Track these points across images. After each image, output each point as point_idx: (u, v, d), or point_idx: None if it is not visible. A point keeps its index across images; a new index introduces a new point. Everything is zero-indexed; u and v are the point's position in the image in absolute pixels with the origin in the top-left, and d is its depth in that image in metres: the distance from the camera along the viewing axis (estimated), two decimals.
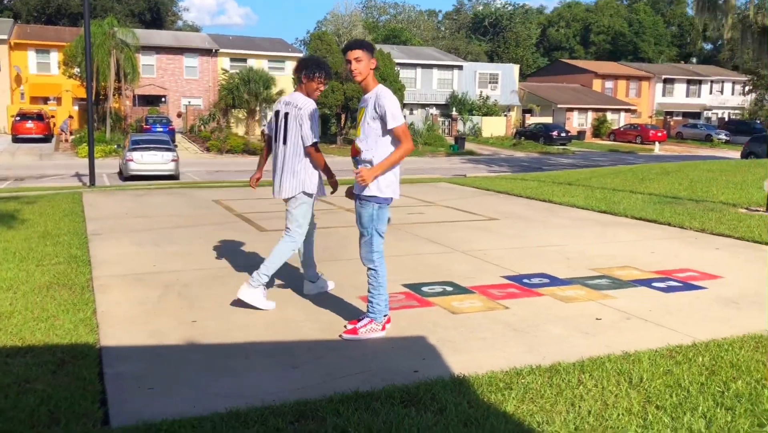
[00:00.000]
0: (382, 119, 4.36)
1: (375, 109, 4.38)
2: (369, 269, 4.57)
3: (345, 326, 4.64)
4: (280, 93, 41.12)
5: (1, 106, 41.41)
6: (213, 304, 5.24)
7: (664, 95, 61.86)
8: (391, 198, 4.51)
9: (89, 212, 9.86)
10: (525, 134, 47.81)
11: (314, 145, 5.11)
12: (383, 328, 4.56)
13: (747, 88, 52.41)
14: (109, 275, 6.09)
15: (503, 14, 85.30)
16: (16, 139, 35.67)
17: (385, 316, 4.59)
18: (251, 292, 5.04)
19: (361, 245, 4.57)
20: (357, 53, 4.40)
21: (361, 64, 4.40)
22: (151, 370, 3.90)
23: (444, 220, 9.54)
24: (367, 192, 4.43)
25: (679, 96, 62.49)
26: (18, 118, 36.46)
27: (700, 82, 63.18)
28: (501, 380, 3.70)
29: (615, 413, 3.32)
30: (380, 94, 4.39)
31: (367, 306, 4.60)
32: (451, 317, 4.96)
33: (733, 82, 62.81)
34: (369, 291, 4.58)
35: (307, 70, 5.12)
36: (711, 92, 63.58)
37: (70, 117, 39.23)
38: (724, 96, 63.76)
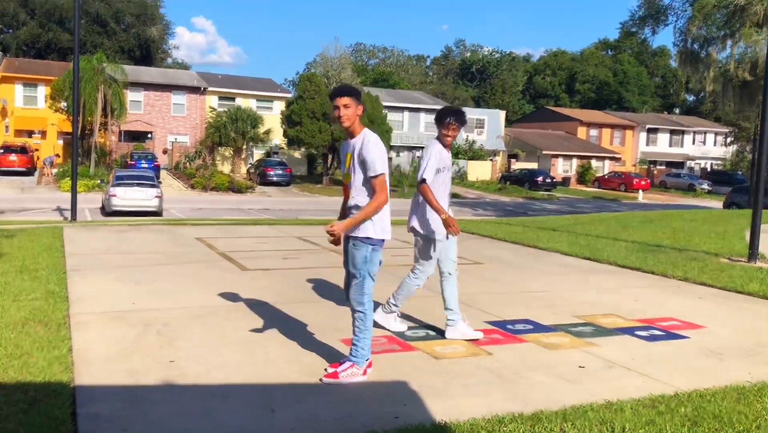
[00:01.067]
0: (363, 166, 4.37)
1: (359, 155, 4.38)
2: (357, 311, 4.51)
3: (326, 369, 4.57)
4: (268, 132, 41.36)
5: None
6: (192, 344, 5.15)
7: (647, 144, 62.80)
8: (384, 240, 4.49)
9: (69, 247, 9.74)
10: (510, 179, 48.23)
11: (422, 181, 5.43)
12: (364, 372, 4.50)
13: (729, 140, 53.47)
14: (87, 312, 5.98)
15: (490, 61, 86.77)
16: None
17: (367, 360, 4.53)
18: (385, 317, 5.72)
19: (352, 287, 4.52)
20: (345, 100, 4.41)
21: (349, 111, 4.41)
22: (126, 411, 3.81)
23: None
24: (362, 233, 4.39)
25: (663, 145, 63.49)
26: (1, 150, 36.29)
27: (683, 132, 64.29)
28: (483, 428, 3.64)
29: None
30: (365, 141, 4.40)
31: (351, 349, 4.54)
32: (433, 362, 4.90)
33: (716, 133, 63.99)
34: (354, 333, 4.52)
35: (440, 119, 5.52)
36: (694, 142, 64.67)
37: (57, 155, 39.08)
38: (707, 146, 64.86)
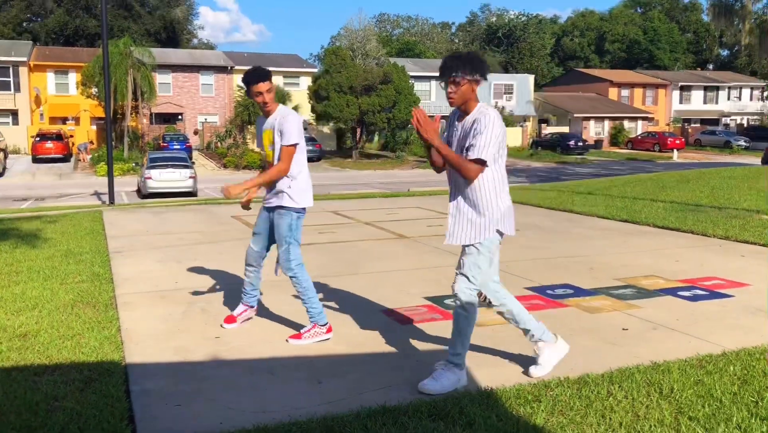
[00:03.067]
0: (281, 136, 4.54)
1: (279, 129, 4.56)
2: (291, 277, 4.70)
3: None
4: (296, 108, 41.37)
5: (22, 128, 41.98)
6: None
7: (681, 102, 61.46)
8: (305, 208, 4.72)
9: (110, 230, 9.93)
10: (542, 144, 47.68)
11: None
12: (329, 330, 4.67)
13: (765, 94, 52.00)
14: (131, 292, 6.11)
15: (517, 25, 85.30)
16: (36, 160, 36.12)
17: (325, 321, 4.69)
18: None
19: (280, 255, 4.71)
20: (267, 85, 4.56)
21: (272, 94, 4.60)
22: (177, 386, 3.90)
23: None
24: (286, 203, 4.61)
25: (697, 103, 62.07)
26: (38, 138, 36.94)
27: (717, 88, 62.72)
28: (529, 393, 3.65)
29: (647, 424, 3.27)
30: (284, 114, 4.61)
31: (308, 314, 4.70)
32: (476, 330, 4.88)
33: (752, 88, 62.33)
34: (301, 298, 4.72)
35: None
36: (729, 98, 63.09)
37: (91, 142, 39.66)
38: (742, 102, 63.24)
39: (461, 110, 3.95)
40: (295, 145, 4.53)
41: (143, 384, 3.92)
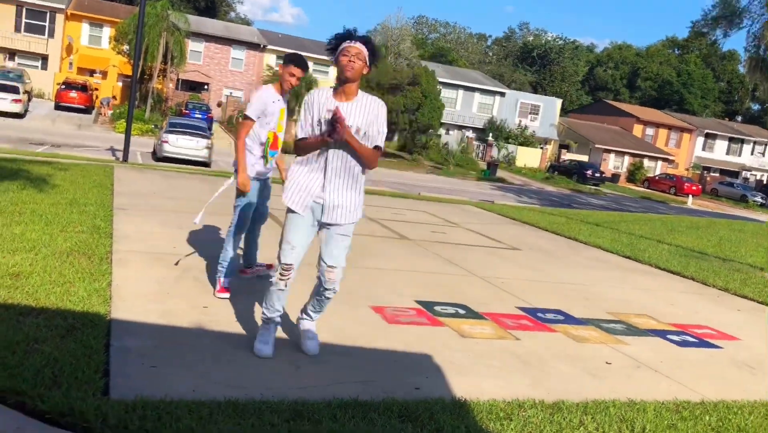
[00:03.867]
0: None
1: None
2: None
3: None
4: None
5: (50, 73, 42.22)
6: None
7: (704, 149, 61.19)
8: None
9: (118, 187, 9.98)
10: (559, 169, 47.56)
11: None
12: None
13: None
14: (128, 250, 6.15)
15: (553, 47, 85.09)
16: (58, 107, 36.28)
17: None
18: None
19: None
20: (303, 73, 5.15)
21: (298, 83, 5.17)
22: (157, 349, 3.92)
23: (466, 243, 9.49)
24: None
25: (719, 152, 61.77)
26: (63, 86, 37.12)
27: (742, 141, 62.39)
28: (502, 410, 3.66)
29: None
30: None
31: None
32: (459, 340, 4.93)
33: None
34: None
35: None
36: (752, 153, 62.75)
37: (114, 98, 39.85)
38: (766, 158, 62.89)
39: (342, 90, 3.92)
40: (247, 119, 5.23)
41: (124, 341, 3.94)
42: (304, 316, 4.37)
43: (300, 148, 4.01)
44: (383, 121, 3.98)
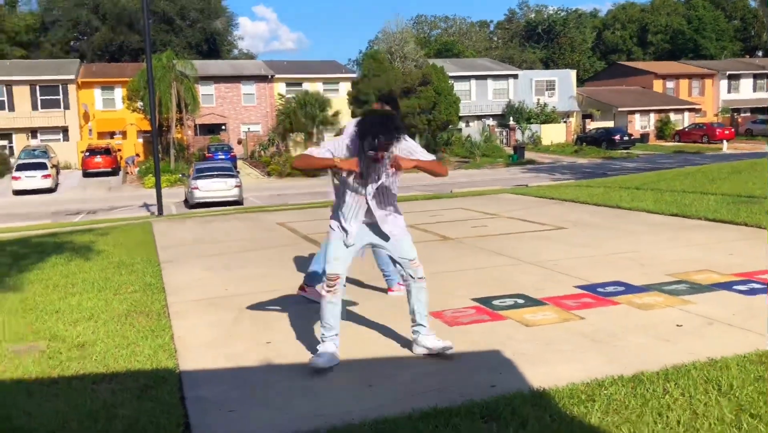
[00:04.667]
0: None
1: None
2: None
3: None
4: (336, 114, 41.64)
5: (72, 143, 43.18)
6: (286, 324, 5.29)
7: (729, 92, 59.88)
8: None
9: (160, 240, 10.13)
10: (586, 140, 47.01)
11: None
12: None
13: None
14: (183, 300, 6.23)
15: (556, 20, 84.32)
16: (86, 174, 37.11)
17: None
18: None
19: None
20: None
21: None
22: (231, 393, 3.96)
23: (509, 231, 9.42)
24: None
25: (746, 92, 60.38)
26: (87, 153, 37.96)
27: (767, 76, 60.91)
28: (582, 392, 3.60)
29: (706, 422, 3.19)
30: None
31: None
32: (524, 330, 4.87)
33: None
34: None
35: None
36: None
37: (137, 155, 40.61)
38: None
39: None
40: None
41: (197, 391, 3.98)
42: (417, 330, 4.48)
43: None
44: (414, 146, 4.30)
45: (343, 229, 4.33)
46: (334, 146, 4.22)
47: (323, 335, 4.31)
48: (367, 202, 4.27)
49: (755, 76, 60.71)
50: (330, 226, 4.45)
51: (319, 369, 4.15)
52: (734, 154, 37.80)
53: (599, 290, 5.85)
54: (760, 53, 77.20)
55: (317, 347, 4.33)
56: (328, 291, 4.27)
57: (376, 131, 4.03)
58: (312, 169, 4.44)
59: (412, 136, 44.78)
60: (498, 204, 12.89)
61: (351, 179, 4.25)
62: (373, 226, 4.36)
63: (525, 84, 51.98)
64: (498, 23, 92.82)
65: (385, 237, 4.37)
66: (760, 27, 75.35)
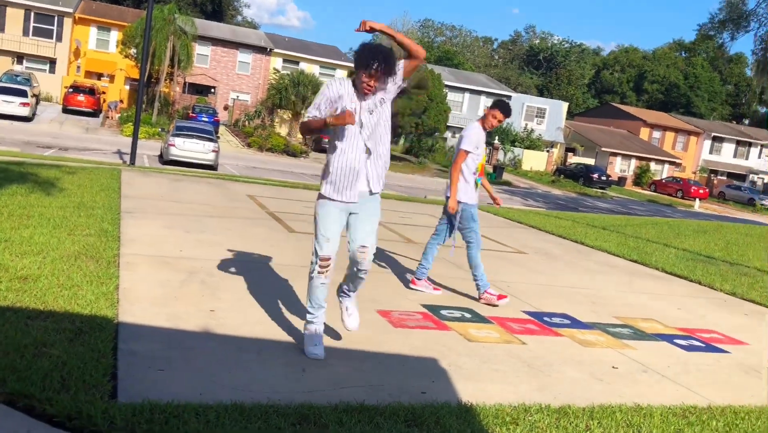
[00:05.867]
0: None
1: None
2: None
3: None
4: None
5: (57, 77, 42.41)
6: (234, 296, 5.28)
7: (711, 153, 60.97)
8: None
9: (125, 190, 10.02)
10: (565, 172, 47.50)
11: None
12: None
13: None
14: (136, 253, 6.17)
15: (559, 50, 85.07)
16: (66, 110, 36.46)
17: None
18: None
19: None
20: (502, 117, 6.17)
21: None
22: (164, 352, 3.94)
23: None
24: None
25: (727, 156, 61.55)
26: (71, 89, 37.29)
27: (749, 144, 62.16)
28: (508, 414, 3.66)
29: None
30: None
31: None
32: (466, 344, 4.93)
33: None
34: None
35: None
36: (760, 156, 62.48)
37: (121, 101, 40.03)
38: None
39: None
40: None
41: (131, 344, 3.96)
42: (343, 294, 4.47)
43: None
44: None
45: (334, 199, 4.17)
46: (318, 106, 4.16)
47: (311, 315, 4.27)
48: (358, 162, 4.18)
49: (738, 143, 61.89)
50: (320, 196, 4.26)
51: (317, 358, 4.16)
52: (704, 213, 38.46)
53: (546, 319, 5.93)
54: (746, 122, 78.74)
55: (305, 331, 4.29)
56: (320, 272, 4.18)
57: (375, 57, 3.99)
58: (313, 133, 4.32)
59: (399, 137, 44.81)
60: None
61: (341, 137, 4.17)
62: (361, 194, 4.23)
63: (516, 107, 52.31)
64: (502, 42, 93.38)
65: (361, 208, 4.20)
66: (752, 96, 76.82)
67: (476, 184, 6.23)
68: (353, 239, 4.22)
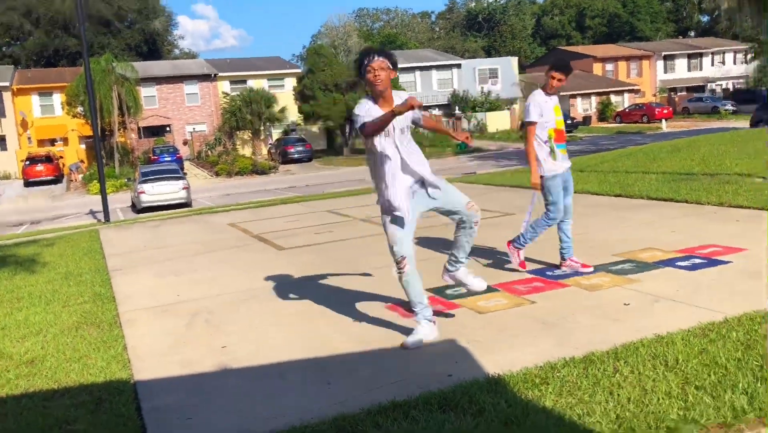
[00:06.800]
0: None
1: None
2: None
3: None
4: (283, 110, 41.36)
5: (11, 153, 41.87)
6: (241, 327, 5.26)
7: (666, 72, 61.54)
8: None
9: (108, 248, 9.93)
10: None
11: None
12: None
13: (749, 56, 52.07)
14: (134, 309, 6.13)
15: (496, 8, 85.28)
16: (27, 183, 36.06)
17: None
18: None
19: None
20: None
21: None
22: (188, 400, 3.92)
23: None
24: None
25: (681, 71, 62.15)
26: (28, 162, 36.88)
27: (701, 55, 62.80)
28: (536, 376, 3.68)
29: (655, 397, 3.30)
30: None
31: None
32: (478, 318, 4.95)
33: (735, 52, 62.39)
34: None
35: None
36: (713, 64, 63.18)
37: (82, 162, 39.62)
38: (727, 67, 63.34)
39: (382, 101, 4.42)
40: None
41: (153, 401, 3.94)
42: (456, 266, 4.79)
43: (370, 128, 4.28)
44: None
45: (394, 207, 4.45)
46: (363, 117, 4.33)
47: (417, 313, 4.50)
48: (402, 158, 4.39)
49: (689, 56, 62.51)
50: (382, 211, 4.60)
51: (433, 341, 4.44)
52: (673, 132, 38.86)
53: (549, 273, 5.98)
54: (692, 34, 79.43)
55: (419, 327, 4.50)
56: (399, 272, 4.45)
57: (370, 51, 4.38)
58: (384, 128, 4.34)
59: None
60: None
61: (382, 141, 4.36)
62: (416, 186, 4.49)
63: (468, 73, 52.43)
64: (439, 14, 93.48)
65: (430, 195, 4.49)
66: (692, 8, 77.48)
67: (552, 150, 5.90)
68: (455, 205, 4.54)
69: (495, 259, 6.78)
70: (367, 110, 4.34)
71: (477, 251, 7.17)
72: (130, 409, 3.76)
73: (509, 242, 6.21)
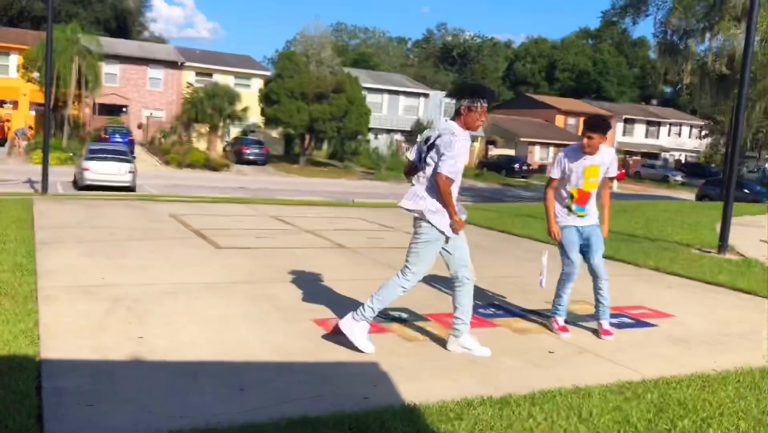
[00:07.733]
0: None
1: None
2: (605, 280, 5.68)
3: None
4: (245, 110, 40.93)
5: None
6: (163, 320, 5.10)
7: (624, 134, 63.30)
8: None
9: (39, 220, 9.59)
10: (488, 165, 48.40)
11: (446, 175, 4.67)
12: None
13: (703, 133, 54.07)
14: (54, 285, 5.90)
15: (472, 46, 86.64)
16: None
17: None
18: (352, 325, 4.65)
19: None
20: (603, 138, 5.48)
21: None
22: (92, 386, 3.76)
23: (404, 246, 9.46)
24: None
25: (639, 136, 64.02)
26: None
27: (659, 123, 64.88)
28: (452, 410, 3.65)
29: None
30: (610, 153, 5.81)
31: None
32: (404, 344, 4.91)
33: (691, 126, 64.64)
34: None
35: (471, 98, 4.65)
36: (669, 134, 65.32)
37: (30, 128, 38.39)
38: (682, 138, 65.56)
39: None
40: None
41: (56, 382, 3.76)
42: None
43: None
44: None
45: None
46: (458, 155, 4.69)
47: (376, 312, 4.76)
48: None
49: (648, 123, 64.50)
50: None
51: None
52: (623, 193, 39.85)
53: (481, 311, 5.99)
54: (654, 102, 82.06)
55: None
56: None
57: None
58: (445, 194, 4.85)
59: (321, 142, 44.64)
60: (396, 218, 12.99)
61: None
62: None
63: (435, 104, 52.94)
64: (416, 42, 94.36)
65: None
66: (657, 78, 80.00)
67: (569, 209, 5.60)
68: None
69: (431, 289, 6.77)
70: (458, 150, 4.63)
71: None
72: (29, 386, 3.59)
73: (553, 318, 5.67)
